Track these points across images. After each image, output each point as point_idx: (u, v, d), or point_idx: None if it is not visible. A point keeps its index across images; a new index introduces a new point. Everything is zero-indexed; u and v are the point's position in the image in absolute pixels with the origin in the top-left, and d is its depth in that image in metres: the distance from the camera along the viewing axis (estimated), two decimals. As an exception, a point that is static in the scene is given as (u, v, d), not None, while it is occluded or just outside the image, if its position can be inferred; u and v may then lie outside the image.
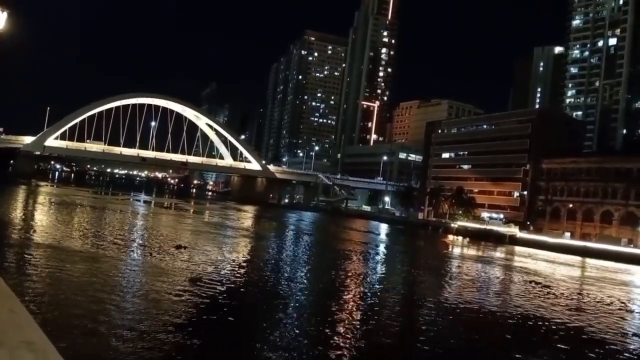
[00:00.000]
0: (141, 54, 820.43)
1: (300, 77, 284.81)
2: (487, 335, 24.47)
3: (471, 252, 77.96)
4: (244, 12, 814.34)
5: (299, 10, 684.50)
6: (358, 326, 23.12)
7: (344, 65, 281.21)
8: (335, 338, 20.29)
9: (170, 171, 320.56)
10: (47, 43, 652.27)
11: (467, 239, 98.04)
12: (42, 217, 57.70)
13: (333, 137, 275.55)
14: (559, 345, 23.09)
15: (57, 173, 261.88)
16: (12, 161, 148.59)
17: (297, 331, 20.84)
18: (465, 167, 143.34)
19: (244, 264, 39.18)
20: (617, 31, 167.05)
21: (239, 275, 33.24)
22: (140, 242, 44.54)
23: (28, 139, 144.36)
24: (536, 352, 21.69)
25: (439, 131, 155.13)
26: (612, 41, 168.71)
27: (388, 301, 30.37)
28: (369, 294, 32.49)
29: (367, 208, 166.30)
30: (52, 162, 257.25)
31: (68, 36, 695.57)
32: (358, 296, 31.39)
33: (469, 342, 22.61)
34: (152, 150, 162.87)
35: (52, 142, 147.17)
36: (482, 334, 24.38)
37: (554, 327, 26.82)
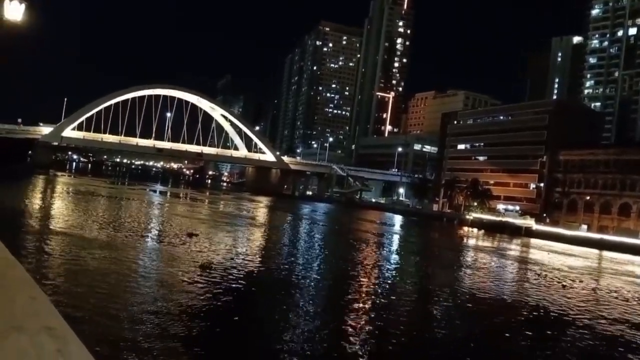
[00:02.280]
0: (141, 54, 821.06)
1: (314, 67, 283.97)
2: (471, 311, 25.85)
3: (485, 244, 77.56)
4: (257, 6, 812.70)
5: (314, 1, 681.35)
6: (365, 315, 23.21)
7: (358, 55, 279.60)
8: (343, 326, 20.37)
9: (186, 162, 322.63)
10: (47, 43, 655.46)
11: (482, 231, 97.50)
12: (60, 206, 58.56)
13: (347, 128, 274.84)
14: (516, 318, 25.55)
15: (74, 163, 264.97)
16: (30, 152, 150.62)
17: (304, 318, 21.01)
18: (481, 158, 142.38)
19: (254, 252, 39.70)
20: (638, 20, 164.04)
21: (248, 262, 33.65)
22: (155, 230, 45.18)
23: (46, 130, 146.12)
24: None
25: (455, 122, 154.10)
26: (632, 31, 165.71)
27: (396, 290, 30.51)
28: (378, 285, 32.54)
29: (381, 199, 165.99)
30: (70, 153, 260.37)
31: (68, 36, 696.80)
32: (366, 287, 31.44)
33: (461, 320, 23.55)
34: (168, 141, 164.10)
35: (69, 132, 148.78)
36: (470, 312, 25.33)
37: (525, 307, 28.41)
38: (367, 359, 17.02)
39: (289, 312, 21.64)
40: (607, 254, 74.75)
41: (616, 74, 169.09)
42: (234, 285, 25.49)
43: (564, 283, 39.52)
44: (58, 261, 25.85)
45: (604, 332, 24.33)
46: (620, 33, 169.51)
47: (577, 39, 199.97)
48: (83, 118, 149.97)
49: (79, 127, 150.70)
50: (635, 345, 22.62)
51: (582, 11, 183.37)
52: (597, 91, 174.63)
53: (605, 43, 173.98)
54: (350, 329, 19.89)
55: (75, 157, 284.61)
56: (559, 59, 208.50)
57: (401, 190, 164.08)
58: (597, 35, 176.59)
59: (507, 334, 22.90)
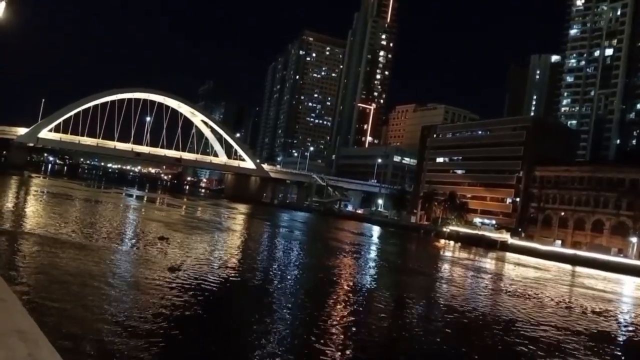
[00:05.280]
0: (136, 58, 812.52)
1: (297, 77, 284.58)
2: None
3: (459, 256, 78.02)
4: (242, 15, 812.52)
5: (298, 11, 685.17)
6: (322, 318, 23.20)
7: (341, 66, 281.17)
8: (308, 337, 20.32)
9: (164, 167, 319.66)
10: (39, 40, 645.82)
11: (459, 244, 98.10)
12: (33, 207, 57.49)
13: (328, 138, 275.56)
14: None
15: (50, 165, 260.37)
16: (5, 152, 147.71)
17: (259, 321, 21.01)
18: (459, 172, 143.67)
19: (224, 258, 39.69)
20: (614, 42, 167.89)
21: (216, 267, 33.76)
22: (127, 234, 44.90)
23: (22, 130, 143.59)
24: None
25: (434, 135, 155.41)
26: (609, 51, 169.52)
27: (366, 298, 30.61)
28: (346, 294, 32.55)
29: (360, 210, 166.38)
30: (45, 154, 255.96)
31: (62, 35, 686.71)
32: (333, 294, 31.48)
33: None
34: (147, 145, 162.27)
35: (45, 134, 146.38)
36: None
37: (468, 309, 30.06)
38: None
39: (247, 314, 21.67)
40: (578, 269, 75.75)
41: (592, 93, 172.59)
42: (199, 289, 25.59)
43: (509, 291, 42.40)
44: (30, 262, 25.56)
45: (512, 328, 26.77)
46: (596, 53, 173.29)
47: (555, 58, 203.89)
48: (60, 120, 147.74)
49: (56, 129, 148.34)
50: (525, 336, 25.20)
51: (561, 30, 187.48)
52: (573, 109, 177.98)
53: (582, 62, 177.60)
54: (313, 336, 19.85)
55: (51, 159, 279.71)
56: (537, 76, 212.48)
57: (380, 201, 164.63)
58: (574, 55, 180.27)
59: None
